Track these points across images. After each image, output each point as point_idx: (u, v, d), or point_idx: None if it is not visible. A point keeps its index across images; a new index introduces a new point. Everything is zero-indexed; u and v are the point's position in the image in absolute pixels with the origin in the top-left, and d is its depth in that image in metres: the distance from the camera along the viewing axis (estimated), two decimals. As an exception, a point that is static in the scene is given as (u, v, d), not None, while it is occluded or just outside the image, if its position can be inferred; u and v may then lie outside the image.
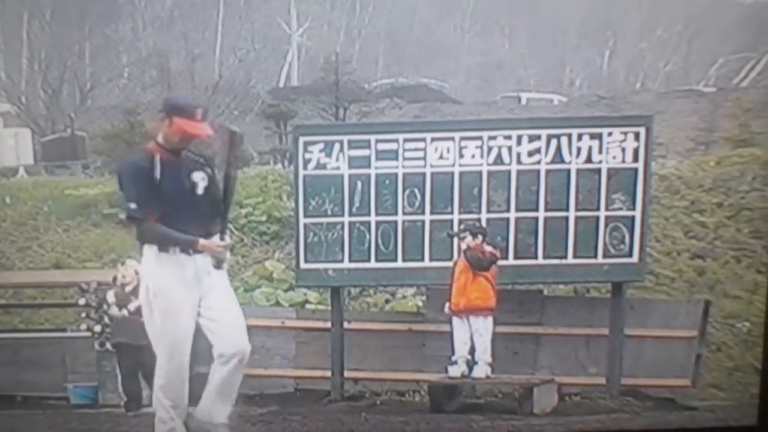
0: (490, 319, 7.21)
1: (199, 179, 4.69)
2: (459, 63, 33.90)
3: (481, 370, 7.20)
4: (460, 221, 7.55)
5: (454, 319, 7.29)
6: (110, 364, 8.50)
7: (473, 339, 7.21)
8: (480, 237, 7.28)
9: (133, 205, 4.56)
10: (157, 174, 4.57)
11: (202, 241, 4.56)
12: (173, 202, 4.58)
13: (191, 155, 4.74)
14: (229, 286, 4.83)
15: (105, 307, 8.20)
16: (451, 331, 7.32)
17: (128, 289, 7.84)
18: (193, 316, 4.64)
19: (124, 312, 7.78)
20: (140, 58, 27.30)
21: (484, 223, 7.51)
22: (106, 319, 8.32)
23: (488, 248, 7.27)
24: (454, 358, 7.28)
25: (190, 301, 4.63)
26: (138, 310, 7.59)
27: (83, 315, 8.94)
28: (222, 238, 4.60)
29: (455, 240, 7.49)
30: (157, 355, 4.69)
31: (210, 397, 4.71)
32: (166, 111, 4.66)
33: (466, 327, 7.21)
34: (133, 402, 7.82)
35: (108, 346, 8.43)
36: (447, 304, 7.35)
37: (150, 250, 4.64)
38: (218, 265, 4.60)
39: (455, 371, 7.25)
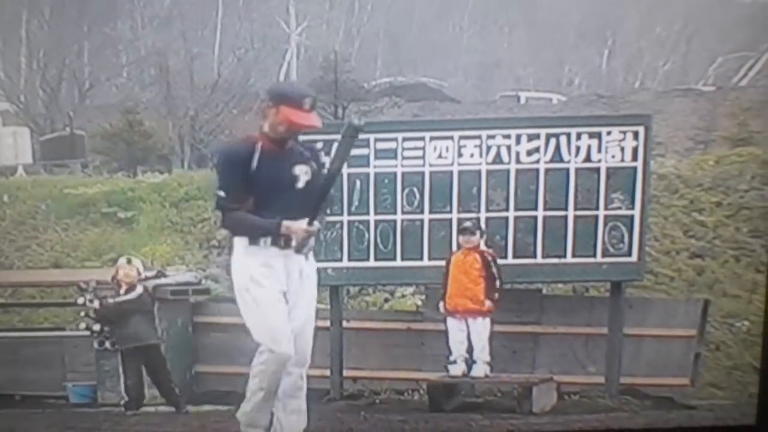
0: (488, 319, 7.18)
1: (302, 173, 4.48)
2: (458, 62, 33.94)
3: (480, 369, 7.17)
4: (464, 220, 7.51)
5: (450, 319, 7.22)
6: (109, 363, 8.47)
7: (471, 338, 7.16)
8: (483, 236, 7.29)
9: (221, 193, 4.41)
10: (254, 164, 4.39)
11: (285, 222, 4.35)
12: (269, 194, 4.39)
13: (298, 147, 4.55)
14: (315, 292, 4.66)
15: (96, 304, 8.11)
16: (446, 331, 7.27)
17: (124, 288, 7.80)
18: (283, 307, 4.46)
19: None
20: (139, 57, 27.33)
21: (483, 222, 7.50)
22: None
23: (485, 249, 7.25)
24: (452, 358, 7.26)
25: (279, 293, 4.45)
26: (120, 306, 7.64)
27: (82, 314, 8.93)
28: (311, 224, 4.38)
29: (454, 237, 7.47)
30: (260, 344, 4.49)
31: (278, 407, 4.57)
32: (274, 99, 4.48)
33: (463, 326, 7.16)
34: (133, 402, 7.81)
35: (107, 345, 8.41)
36: (441, 303, 7.27)
37: (240, 243, 4.48)
38: (299, 249, 4.42)
39: (456, 370, 7.22)
